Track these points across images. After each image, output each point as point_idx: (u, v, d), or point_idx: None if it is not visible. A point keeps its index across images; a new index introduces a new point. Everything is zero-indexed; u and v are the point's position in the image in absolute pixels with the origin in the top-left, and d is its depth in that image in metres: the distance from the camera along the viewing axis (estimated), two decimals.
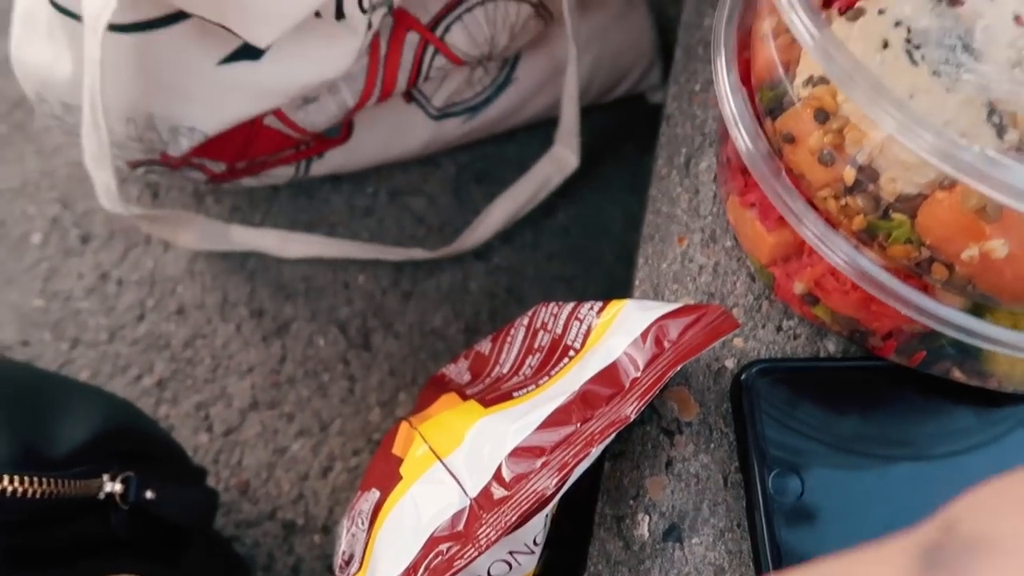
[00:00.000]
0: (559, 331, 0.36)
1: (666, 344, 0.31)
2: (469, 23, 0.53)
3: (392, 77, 0.54)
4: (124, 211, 0.49)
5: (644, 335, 0.32)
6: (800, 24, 0.26)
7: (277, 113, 0.53)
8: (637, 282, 0.41)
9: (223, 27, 0.43)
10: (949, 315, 0.29)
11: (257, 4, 0.42)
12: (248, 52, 0.46)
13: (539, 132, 0.65)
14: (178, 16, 0.45)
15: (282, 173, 0.61)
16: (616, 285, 0.60)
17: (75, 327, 0.60)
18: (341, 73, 0.49)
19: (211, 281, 0.61)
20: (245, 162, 0.57)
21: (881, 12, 0.29)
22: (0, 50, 0.66)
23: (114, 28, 0.44)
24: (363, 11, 0.46)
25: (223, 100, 0.49)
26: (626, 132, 0.65)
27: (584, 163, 0.60)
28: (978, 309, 0.30)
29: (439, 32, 0.53)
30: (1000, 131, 0.27)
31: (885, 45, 0.28)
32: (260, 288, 0.61)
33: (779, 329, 0.37)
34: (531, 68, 0.61)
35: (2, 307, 0.61)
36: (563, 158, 0.58)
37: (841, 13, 0.30)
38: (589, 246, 0.62)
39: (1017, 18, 0.28)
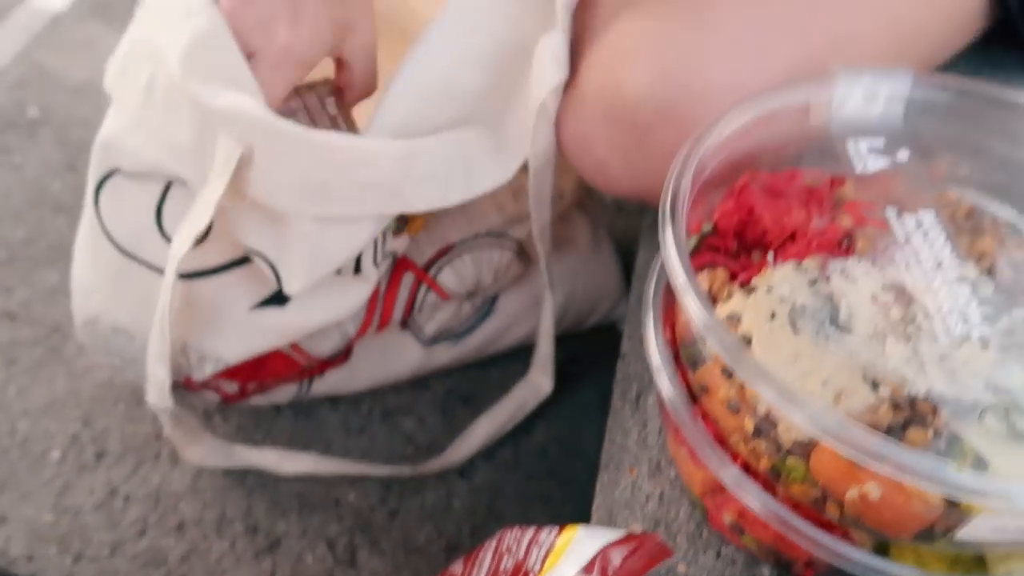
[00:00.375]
0: (521, 555, 0.40)
1: (610, 571, 0.35)
2: (459, 266, 0.61)
3: (389, 310, 0.61)
4: (168, 404, 0.54)
5: (591, 564, 0.36)
6: (693, 309, 0.32)
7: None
8: (595, 507, 0.45)
9: (272, 271, 0.50)
10: (851, 553, 0.33)
11: (296, 259, 0.50)
12: (278, 299, 0.54)
13: (521, 356, 0.71)
14: (232, 264, 0.53)
15: (287, 391, 0.67)
16: (589, 505, 0.63)
17: (80, 541, 0.64)
18: (352, 315, 0.56)
19: (212, 497, 0.66)
20: (256, 383, 0.63)
21: (769, 290, 0.36)
22: (43, 280, 0.75)
23: (182, 276, 0.50)
24: (375, 265, 0.53)
25: (250, 337, 0.55)
26: (598, 358, 0.72)
27: (560, 385, 0.65)
28: (882, 545, 0.34)
29: (432, 273, 0.61)
30: (874, 386, 0.33)
31: (772, 316, 0.35)
32: (257, 504, 0.65)
33: (718, 555, 0.41)
34: (511, 302, 0.69)
35: (15, 521, 0.65)
36: (538, 384, 0.64)
37: (742, 286, 0.37)
38: (565, 466, 0.66)
39: (874, 298, 0.34)
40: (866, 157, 0.41)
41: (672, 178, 0.37)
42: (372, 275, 0.54)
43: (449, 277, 0.61)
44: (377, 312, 0.61)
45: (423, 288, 0.61)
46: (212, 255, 0.51)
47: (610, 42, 0.46)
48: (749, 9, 0.44)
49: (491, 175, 0.49)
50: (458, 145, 0.47)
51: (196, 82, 0.44)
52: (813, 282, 0.36)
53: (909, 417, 0.31)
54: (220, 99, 0.43)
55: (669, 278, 0.34)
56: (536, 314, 0.67)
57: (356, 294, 0.54)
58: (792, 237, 0.39)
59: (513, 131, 0.48)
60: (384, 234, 0.53)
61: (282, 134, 0.44)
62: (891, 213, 0.37)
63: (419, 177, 0.46)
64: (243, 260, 0.52)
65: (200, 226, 0.45)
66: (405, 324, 0.65)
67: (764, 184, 0.42)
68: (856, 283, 0.35)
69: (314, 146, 0.45)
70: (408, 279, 0.61)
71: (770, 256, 0.38)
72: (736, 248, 0.40)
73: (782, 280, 0.36)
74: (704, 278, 0.38)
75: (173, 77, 0.45)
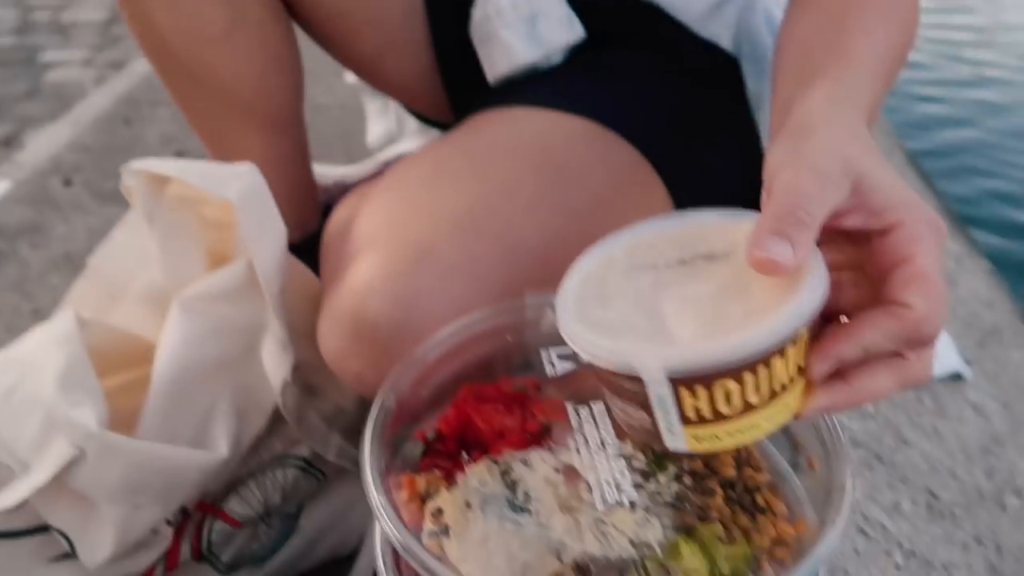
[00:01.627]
0: None
1: None
2: (243, 493, 0.64)
3: (175, 553, 0.63)
4: None
5: None
6: (388, 528, 0.38)
7: None
8: None
9: (69, 545, 0.56)
10: None
11: (100, 538, 0.55)
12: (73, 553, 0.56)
13: (333, 571, 0.73)
14: (33, 531, 0.56)
15: None
16: None
17: None
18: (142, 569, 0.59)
19: None
20: None
21: (466, 483, 0.42)
22: None
23: None
24: (169, 523, 0.58)
25: None
26: None
27: None
28: None
29: (220, 503, 0.64)
30: (559, 554, 0.39)
31: (468, 505, 0.41)
32: None
33: None
34: (315, 516, 0.71)
35: None
36: None
37: (449, 489, 0.43)
38: None
39: (546, 480, 0.41)
40: (556, 362, 0.49)
41: (371, 420, 0.43)
42: (168, 532, 0.58)
43: (236, 504, 0.64)
44: (160, 560, 0.62)
45: (208, 519, 0.63)
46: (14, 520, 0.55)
47: (353, 274, 0.54)
48: (467, 241, 0.54)
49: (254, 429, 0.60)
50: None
51: (61, 395, 0.53)
52: (505, 472, 0.42)
53: None
54: (74, 412, 0.53)
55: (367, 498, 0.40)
56: (342, 529, 0.70)
57: (152, 552, 0.58)
58: (502, 435, 0.47)
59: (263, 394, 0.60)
60: None
61: (113, 446, 0.53)
62: (569, 406, 0.45)
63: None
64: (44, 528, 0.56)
65: (7, 504, 0.52)
66: (201, 557, 0.66)
67: (480, 393, 0.50)
68: (533, 469, 0.42)
69: (140, 453, 0.54)
70: (194, 515, 0.63)
71: (464, 455, 0.44)
72: (457, 450, 0.47)
73: (477, 474, 0.42)
74: (421, 480, 0.44)
75: (42, 390, 0.54)
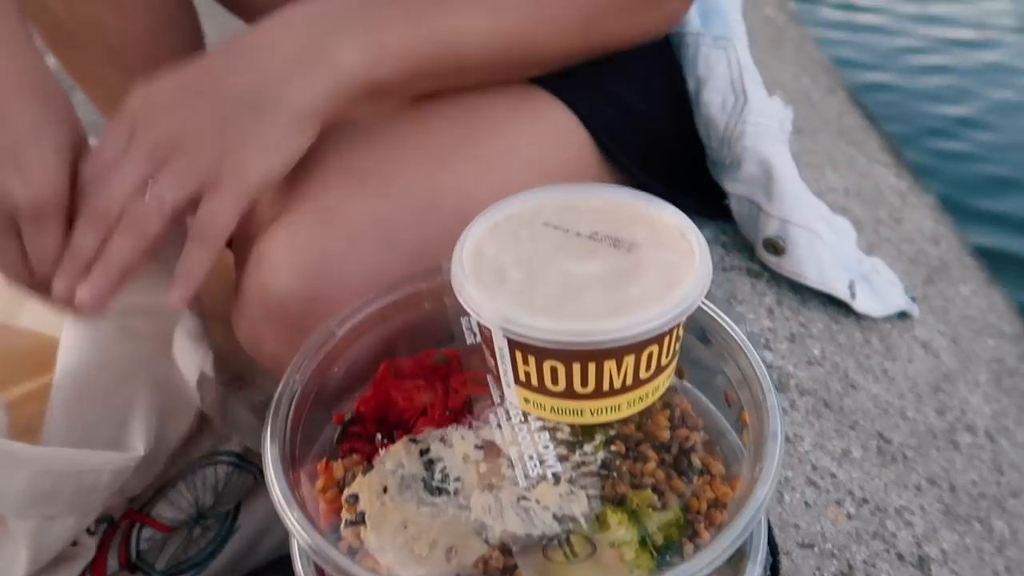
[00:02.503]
0: None
1: None
2: (172, 496, 0.61)
3: (102, 566, 0.59)
4: None
5: None
6: (291, 527, 0.35)
7: None
8: None
9: None
10: None
11: (17, 553, 0.52)
12: None
13: (279, 569, 0.70)
14: None
15: None
16: None
17: None
18: None
19: None
20: None
21: (382, 466, 0.39)
22: None
23: None
24: (91, 533, 0.54)
25: None
26: None
27: None
28: None
29: (145, 509, 0.60)
30: (484, 536, 0.36)
31: (384, 490, 0.38)
32: None
33: None
34: (254, 514, 0.68)
35: None
36: None
37: (364, 474, 0.40)
38: None
39: (465, 457, 0.38)
40: (477, 330, 0.46)
41: (273, 405, 0.40)
42: (90, 543, 0.55)
43: (165, 508, 0.60)
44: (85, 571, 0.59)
45: (136, 526, 0.59)
46: None
47: (258, 253, 0.50)
48: (373, 201, 0.51)
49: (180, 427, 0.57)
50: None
51: None
52: (423, 452, 0.40)
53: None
54: None
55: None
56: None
57: (75, 566, 0.55)
58: (424, 412, 0.44)
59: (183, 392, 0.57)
60: None
61: (13, 454, 0.49)
62: (490, 378, 0.42)
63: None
64: None
65: None
66: (132, 567, 0.63)
67: (400, 368, 0.47)
68: (452, 447, 0.39)
69: (43, 460, 0.50)
70: (121, 524, 0.60)
71: (379, 437, 0.41)
72: (375, 432, 0.44)
73: (394, 455, 0.39)
74: (339, 466, 0.41)
75: None
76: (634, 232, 0.39)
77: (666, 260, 0.37)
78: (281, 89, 0.47)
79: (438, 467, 0.38)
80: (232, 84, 0.48)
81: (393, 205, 0.50)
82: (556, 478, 0.37)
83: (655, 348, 0.36)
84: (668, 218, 0.40)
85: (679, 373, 0.46)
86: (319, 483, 0.41)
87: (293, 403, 0.41)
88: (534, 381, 0.37)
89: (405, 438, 0.40)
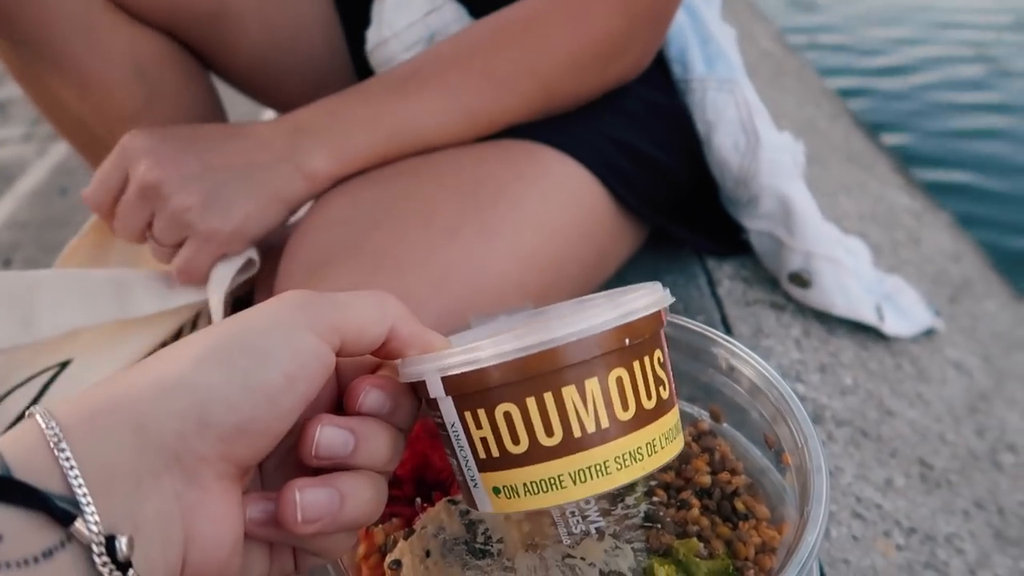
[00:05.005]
0: None
1: None
2: None
3: None
4: None
5: None
6: None
7: None
8: None
9: None
10: None
11: None
12: None
13: None
14: None
15: None
16: None
17: None
18: None
19: None
20: None
21: (423, 529, 0.39)
22: None
23: None
24: None
25: None
26: None
27: None
28: None
29: None
30: None
31: (428, 554, 0.38)
32: None
33: None
34: None
35: None
36: None
37: (405, 538, 0.40)
38: None
39: (507, 517, 0.38)
40: None
41: None
42: None
43: None
44: None
45: None
46: None
47: None
48: (387, 281, 0.51)
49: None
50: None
51: None
52: (463, 514, 0.39)
53: None
54: None
55: None
56: None
57: None
58: None
59: None
60: None
61: None
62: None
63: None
64: None
65: None
66: None
67: (434, 428, 0.46)
68: None
69: None
70: None
71: (417, 500, 0.41)
72: (414, 494, 0.44)
73: (435, 518, 0.39)
74: (379, 532, 0.41)
75: None
76: None
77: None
78: (264, 176, 0.56)
79: (480, 528, 0.38)
80: (223, 155, 0.56)
81: (407, 283, 0.51)
82: (600, 533, 0.37)
83: (622, 372, 0.31)
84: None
85: (715, 416, 0.45)
86: (361, 550, 0.41)
87: None
88: (493, 448, 0.31)
89: (444, 500, 0.40)
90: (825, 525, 0.34)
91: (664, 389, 0.33)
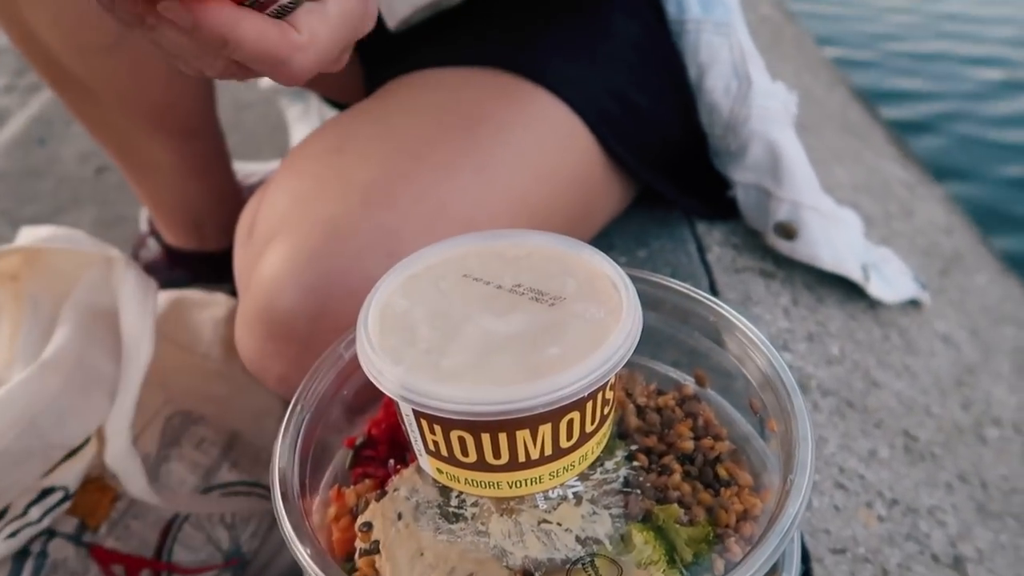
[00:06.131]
0: None
1: None
2: (181, 538, 0.59)
3: None
4: None
5: None
6: (302, 562, 0.33)
7: None
8: None
9: None
10: None
11: None
12: None
13: None
14: None
15: None
16: None
17: None
18: None
19: None
20: None
21: (396, 491, 0.38)
22: None
23: None
24: None
25: None
26: None
27: None
28: None
29: (164, 557, 0.59)
30: (504, 561, 0.34)
31: (400, 516, 0.36)
32: None
33: None
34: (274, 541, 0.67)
35: None
36: None
37: (377, 500, 0.38)
38: None
39: None
40: None
41: (281, 433, 0.38)
42: None
43: (180, 552, 0.59)
44: None
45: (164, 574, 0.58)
46: None
47: (261, 271, 0.49)
48: (377, 214, 0.49)
49: None
50: None
51: None
52: None
53: None
54: None
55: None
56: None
57: None
58: None
59: None
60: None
61: None
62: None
63: None
64: None
65: None
66: None
67: None
68: None
69: None
70: None
71: (391, 462, 0.40)
72: (388, 456, 0.42)
73: (408, 480, 0.38)
74: (351, 493, 0.40)
75: None
76: (562, 284, 0.36)
77: (592, 315, 0.34)
78: None
79: (454, 492, 0.36)
80: None
81: (398, 217, 0.49)
82: (577, 498, 0.35)
83: (575, 415, 0.32)
84: (599, 267, 0.36)
85: (700, 381, 0.44)
86: (332, 511, 0.40)
87: (302, 429, 0.39)
88: (443, 451, 0.33)
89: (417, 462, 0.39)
90: (809, 495, 0.33)
91: (607, 408, 0.35)
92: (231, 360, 0.67)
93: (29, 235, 0.62)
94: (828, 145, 1.17)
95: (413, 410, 0.33)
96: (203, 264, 0.81)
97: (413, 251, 0.48)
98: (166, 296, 0.67)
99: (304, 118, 1.12)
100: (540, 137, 0.56)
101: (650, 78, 0.66)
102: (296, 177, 0.52)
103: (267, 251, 0.49)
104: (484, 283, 0.37)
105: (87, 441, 0.54)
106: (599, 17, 0.63)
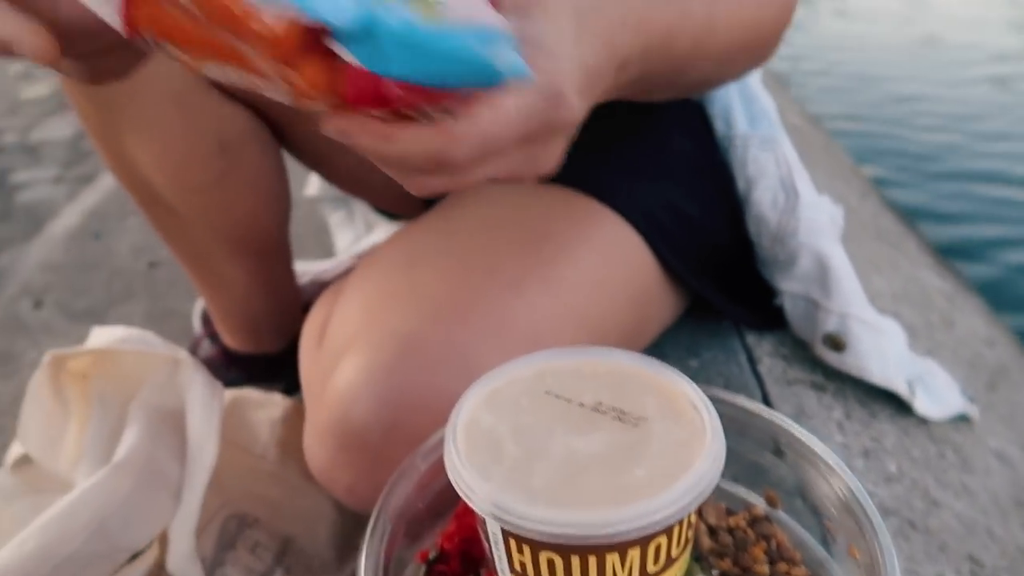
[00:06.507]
0: None
1: None
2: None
3: None
4: None
5: None
6: None
7: None
8: None
9: None
10: None
11: None
12: None
13: None
14: None
15: None
16: None
17: None
18: None
19: None
20: None
21: None
22: None
23: None
24: None
25: None
26: None
27: None
28: None
29: None
30: None
31: None
32: None
33: None
34: None
35: None
36: None
37: None
38: None
39: None
40: None
41: (365, 545, 0.39)
42: None
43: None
44: None
45: None
46: None
47: (336, 383, 0.50)
48: (452, 328, 0.51)
49: None
50: None
51: None
52: None
53: None
54: None
55: None
56: None
57: None
58: None
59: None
60: None
61: None
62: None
63: None
64: None
65: None
66: None
67: None
68: None
69: None
70: None
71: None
72: (462, 570, 0.42)
73: None
74: None
75: None
76: (642, 403, 0.37)
77: (675, 437, 0.34)
78: None
79: None
80: None
81: (469, 332, 0.50)
82: None
83: (663, 539, 0.33)
84: (678, 387, 0.37)
85: (771, 502, 0.44)
86: None
87: (383, 543, 0.39)
88: (530, 571, 0.33)
89: None
90: None
91: (690, 530, 0.35)
92: (286, 462, 0.67)
93: (102, 336, 0.64)
94: (865, 254, 1.19)
95: (502, 529, 0.33)
96: (258, 364, 0.83)
97: (483, 365, 0.50)
98: (225, 394, 0.68)
99: (348, 224, 1.15)
100: (601, 253, 0.58)
101: (701, 189, 0.68)
102: (369, 289, 0.54)
103: (341, 363, 0.50)
104: (565, 400, 0.37)
105: (150, 544, 0.54)
106: (657, 136, 0.66)
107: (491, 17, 0.31)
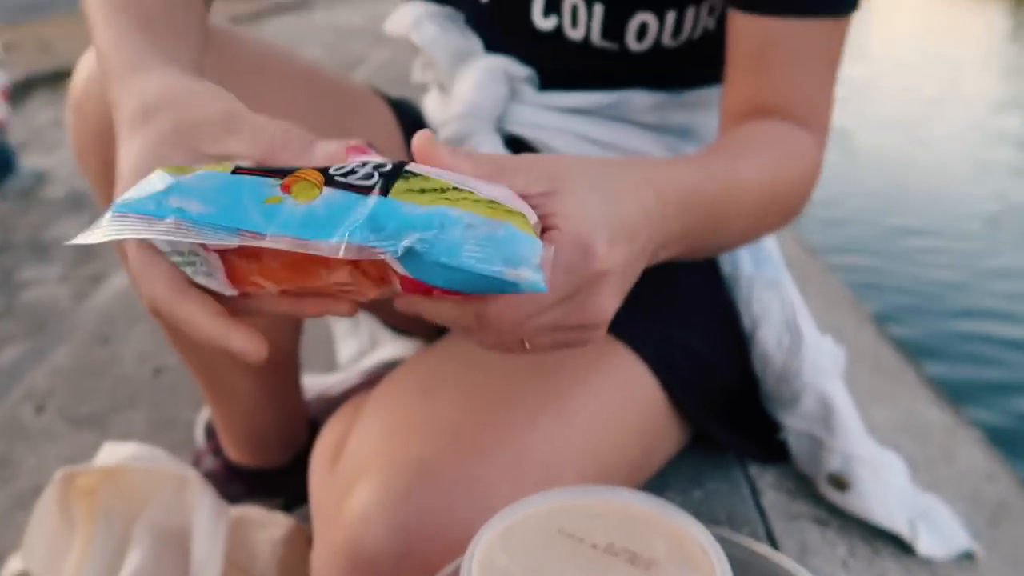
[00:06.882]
0: None
1: None
2: None
3: None
4: None
5: None
6: None
7: None
8: None
9: None
10: None
11: None
12: None
13: None
14: None
15: None
16: None
17: None
18: None
19: None
20: None
21: None
22: None
23: None
24: None
25: None
26: None
27: None
28: None
29: None
30: None
31: None
32: None
33: None
34: None
35: None
36: None
37: None
38: None
39: None
40: None
41: None
42: None
43: None
44: None
45: None
46: None
47: (351, 507, 0.51)
48: (468, 459, 0.52)
49: None
50: None
51: None
52: None
53: None
54: None
55: None
56: None
57: None
58: None
59: None
60: None
61: None
62: None
63: None
64: None
65: None
66: None
67: None
68: None
69: None
70: None
71: None
72: None
73: None
74: None
75: None
76: (653, 545, 0.37)
77: None
78: None
79: None
80: None
81: (484, 463, 0.51)
82: None
83: None
84: (688, 531, 0.38)
85: None
86: None
87: None
88: None
89: None
90: None
91: None
92: None
93: (113, 453, 0.65)
94: (864, 386, 1.20)
95: None
96: (260, 479, 0.83)
97: (497, 497, 0.51)
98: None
99: (353, 334, 1.17)
100: (614, 386, 0.60)
101: (710, 326, 0.70)
102: (386, 416, 0.55)
103: (356, 487, 0.51)
104: (578, 540, 0.38)
105: None
106: (667, 272, 0.69)
107: (519, 206, 0.38)
